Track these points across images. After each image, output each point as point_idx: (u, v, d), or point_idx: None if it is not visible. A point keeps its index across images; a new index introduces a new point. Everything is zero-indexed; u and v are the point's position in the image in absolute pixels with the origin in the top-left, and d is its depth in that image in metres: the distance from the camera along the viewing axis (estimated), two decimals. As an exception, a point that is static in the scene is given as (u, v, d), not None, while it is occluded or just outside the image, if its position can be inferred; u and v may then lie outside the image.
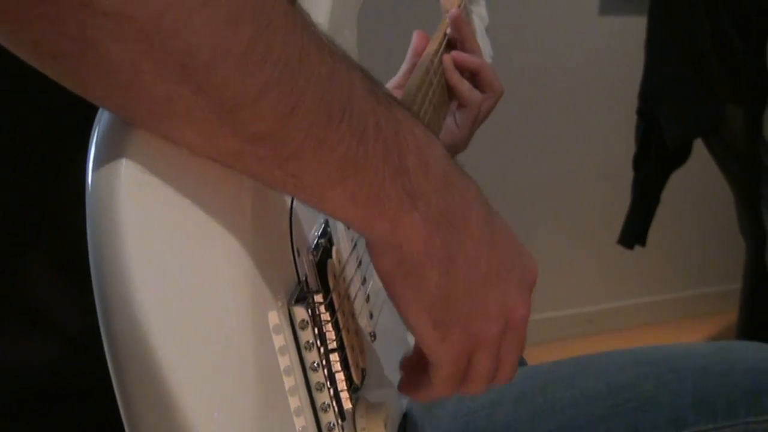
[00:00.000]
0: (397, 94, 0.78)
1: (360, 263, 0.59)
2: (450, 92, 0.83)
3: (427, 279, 0.45)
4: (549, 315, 2.32)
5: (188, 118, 0.37)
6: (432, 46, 0.81)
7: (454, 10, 0.84)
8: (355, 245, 0.58)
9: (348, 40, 0.72)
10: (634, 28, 1.64)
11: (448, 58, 0.82)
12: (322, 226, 0.53)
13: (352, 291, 0.57)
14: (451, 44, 0.84)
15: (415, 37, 0.87)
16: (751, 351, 0.75)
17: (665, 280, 2.57)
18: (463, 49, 0.85)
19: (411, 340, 0.51)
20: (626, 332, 2.49)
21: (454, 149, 0.84)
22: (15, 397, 0.50)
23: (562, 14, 2.46)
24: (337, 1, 0.68)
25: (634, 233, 1.44)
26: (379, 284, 0.48)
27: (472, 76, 0.84)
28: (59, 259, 0.45)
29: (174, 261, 0.37)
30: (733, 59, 1.38)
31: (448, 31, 0.84)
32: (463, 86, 0.83)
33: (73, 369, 0.47)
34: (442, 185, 0.45)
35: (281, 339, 0.43)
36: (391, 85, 0.85)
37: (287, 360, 0.43)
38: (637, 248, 1.48)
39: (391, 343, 0.60)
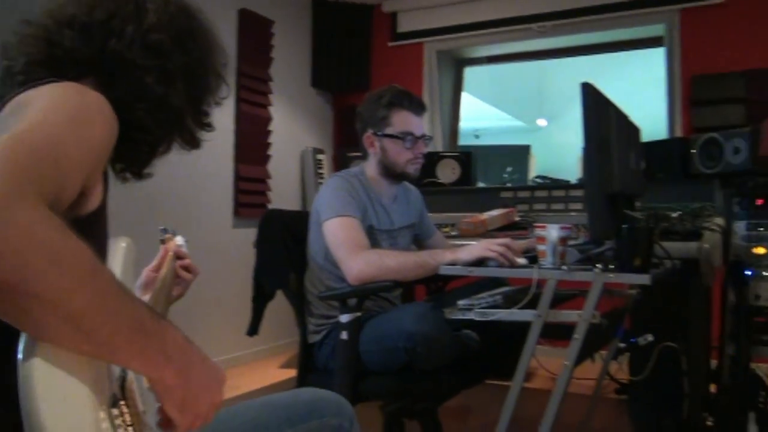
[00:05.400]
0: (152, 277, 1.31)
1: (140, 380, 0.88)
2: (177, 276, 1.34)
3: (175, 392, 0.78)
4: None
5: (66, 340, 0.65)
6: (168, 260, 1.33)
7: (175, 248, 1.38)
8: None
9: (131, 282, 1.12)
10: (251, 235, 2.28)
11: (178, 264, 1.34)
12: (121, 368, 0.84)
13: (136, 393, 0.86)
14: (178, 257, 1.36)
15: (158, 258, 1.36)
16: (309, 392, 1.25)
17: (264, 340, 4.18)
18: (181, 257, 1.36)
19: (158, 415, 0.82)
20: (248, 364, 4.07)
21: (180, 297, 1.34)
22: None
23: (208, 226, 4.12)
24: (125, 263, 1.07)
25: (253, 329, 2.22)
26: (147, 388, 0.80)
27: (186, 269, 1.35)
28: (9, 395, 0.66)
29: (57, 394, 0.65)
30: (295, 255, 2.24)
31: (173, 253, 1.36)
32: (183, 272, 1.34)
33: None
34: (182, 351, 0.78)
35: (105, 422, 0.72)
36: (148, 269, 1.34)
37: (108, 429, 0.72)
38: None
39: (151, 414, 0.87)
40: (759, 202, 2.73)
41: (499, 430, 1.74)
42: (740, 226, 2.77)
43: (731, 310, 2.77)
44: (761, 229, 2.71)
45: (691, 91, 4.26)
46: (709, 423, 2.92)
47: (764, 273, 2.70)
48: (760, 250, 2.70)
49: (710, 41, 4.24)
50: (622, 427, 3.19)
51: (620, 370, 3.54)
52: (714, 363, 2.98)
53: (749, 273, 2.71)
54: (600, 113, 1.72)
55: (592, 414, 2.64)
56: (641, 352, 2.75)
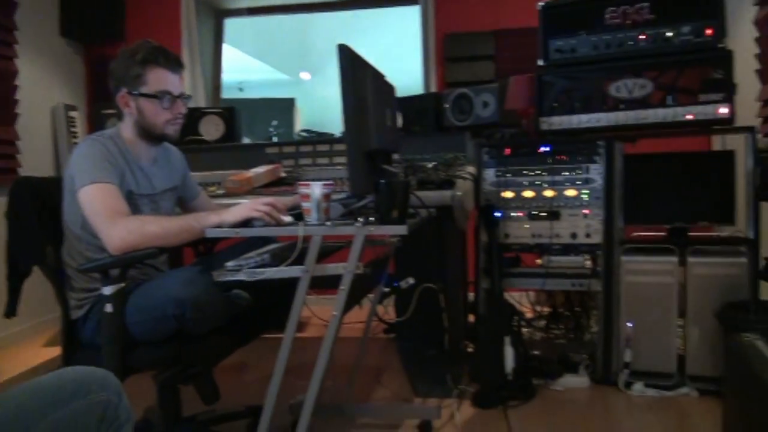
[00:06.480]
0: None
1: None
2: None
3: None
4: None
5: None
6: None
7: None
8: None
9: None
10: (1, 206, 2.10)
11: None
12: None
13: None
14: None
15: None
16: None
17: (24, 319, 3.79)
18: None
19: None
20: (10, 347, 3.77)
21: None
22: None
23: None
24: None
25: (10, 310, 2.11)
26: None
27: None
28: None
29: None
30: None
31: None
32: None
33: None
34: None
35: None
36: None
37: None
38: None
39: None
40: (507, 151, 3.08)
41: (273, 381, 1.80)
42: (489, 174, 3.09)
43: (484, 249, 3.09)
44: (509, 175, 3.06)
45: (444, 48, 4.55)
46: (469, 349, 3.26)
47: (512, 214, 3.05)
48: (508, 194, 3.06)
49: (462, 2, 4.56)
50: (391, 362, 3.42)
51: (386, 312, 3.82)
52: (471, 296, 3.31)
53: (499, 215, 3.06)
54: (356, 75, 1.79)
55: (364, 354, 2.81)
56: (404, 294, 2.97)
